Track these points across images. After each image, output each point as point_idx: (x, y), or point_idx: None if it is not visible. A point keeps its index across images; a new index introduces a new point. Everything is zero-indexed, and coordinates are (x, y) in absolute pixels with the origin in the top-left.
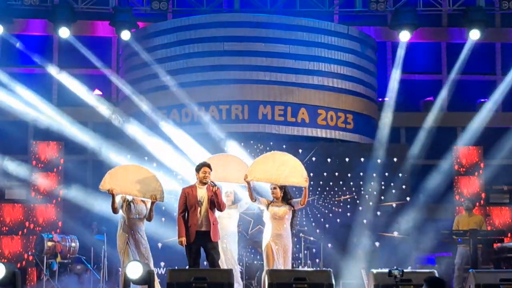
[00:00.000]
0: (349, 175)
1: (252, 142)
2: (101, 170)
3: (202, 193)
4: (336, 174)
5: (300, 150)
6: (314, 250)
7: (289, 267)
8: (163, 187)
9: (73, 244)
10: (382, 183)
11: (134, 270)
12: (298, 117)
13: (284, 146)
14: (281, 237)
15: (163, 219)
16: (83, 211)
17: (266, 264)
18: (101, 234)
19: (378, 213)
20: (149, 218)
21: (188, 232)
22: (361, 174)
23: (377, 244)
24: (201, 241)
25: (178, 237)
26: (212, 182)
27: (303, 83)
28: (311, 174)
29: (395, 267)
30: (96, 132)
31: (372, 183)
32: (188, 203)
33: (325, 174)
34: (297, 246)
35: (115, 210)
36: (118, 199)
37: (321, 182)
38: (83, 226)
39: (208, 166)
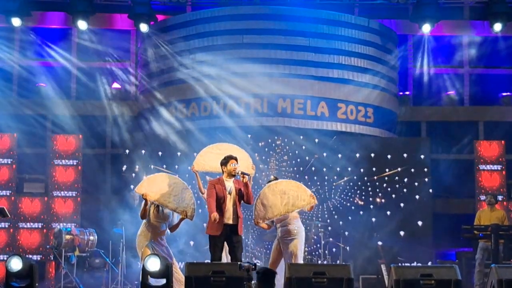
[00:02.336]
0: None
1: (272, 136)
2: (120, 165)
3: (230, 186)
4: (362, 170)
5: (317, 141)
6: (330, 239)
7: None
8: (196, 206)
9: (91, 238)
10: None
11: (152, 263)
12: (318, 111)
13: (303, 146)
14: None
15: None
16: (101, 205)
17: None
18: (120, 228)
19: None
20: (172, 229)
21: (216, 225)
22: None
23: (401, 233)
24: (227, 235)
25: (210, 214)
26: (243, 172)
27: (323, 76)
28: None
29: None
30: (115, 126)
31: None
32: (216, 195)
33: (338, 168)
34: (317, 243)
35: (144, 215)
36: (149, 204)
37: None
38: (102, 220)
39: (236, 158)
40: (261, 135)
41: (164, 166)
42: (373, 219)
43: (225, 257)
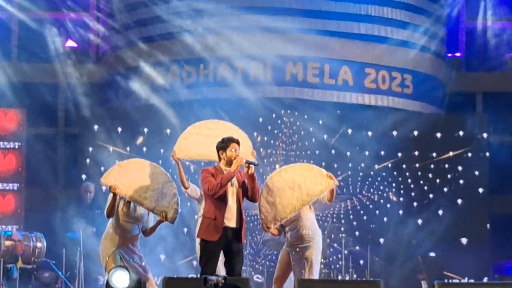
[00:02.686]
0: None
1: (278, 112)
2: (76, 148)
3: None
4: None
5: (343, 122)
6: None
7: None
8: (179, 207)
9: (38, 245)
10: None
11: (119, 278)
12: (339, 78)
13: (320, 121)
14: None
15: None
16: (52, 201)
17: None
18: (76, 231)
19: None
20: (146, 234)
21: (212, 228)
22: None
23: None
24: (226, 241)
25: (228, 177)
26: (249, 161)
27: (346, 32)
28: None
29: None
30: (71, 95)
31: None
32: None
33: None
34: (337, 253)
35: (110, 213)
36: (118, 198)
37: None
38: (52, 221)
39: (238, 142)
40: (264, 110)
41: (128, 148)
42: (416, 221)
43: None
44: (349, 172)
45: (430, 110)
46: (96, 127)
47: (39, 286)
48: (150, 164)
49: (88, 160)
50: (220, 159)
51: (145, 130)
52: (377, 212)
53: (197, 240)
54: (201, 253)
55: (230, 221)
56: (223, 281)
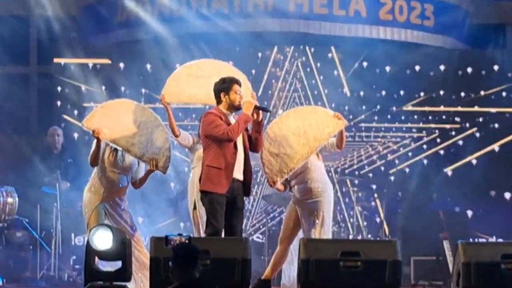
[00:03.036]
0: None
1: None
2: (52, 90)
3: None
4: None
5: (355, 59)
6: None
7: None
8: (171, 154)
9: (9, 200)
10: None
11: (101, 238)
12: (350, 9)
13: (328, 58)
14: None
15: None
16: (24, 150)
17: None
18: (52, 186)
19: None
20: (136, 185)
21: (222, 178)
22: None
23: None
24: (232, 194)
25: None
26: (261, 106)
27: None
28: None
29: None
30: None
31: None
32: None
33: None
34: (348, 209)
35: (94, 161)
36: (103, 145)
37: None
38: (25, 173)
39: (239, 82)
40: (263, 46)
41: (103, 88)
42: (441, 171)
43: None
44: (363, 116)
45: (454, 45)
46: (72, 65)
47: (11, 247)
48: (138, 106)
49: (61, 103)
50: (220, 102)
51: (121, 66)
52: (396, 161)
53: (196, 194)
54: (207, 208)
55: (238, 172)
56: (186, 241)
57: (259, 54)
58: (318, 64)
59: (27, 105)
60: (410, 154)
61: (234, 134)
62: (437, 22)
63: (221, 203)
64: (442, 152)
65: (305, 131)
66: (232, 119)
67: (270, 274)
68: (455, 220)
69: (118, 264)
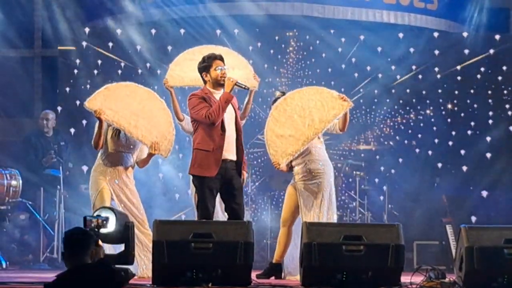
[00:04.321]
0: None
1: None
2: (55, 73)
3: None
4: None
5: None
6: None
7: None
8: (173, 139)
9: (13, 183)
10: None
11: (105, 221)
12: None
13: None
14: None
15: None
16: (29, 130)
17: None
18: (56, 168)
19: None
20: (141, 164)
21: (211, 161)
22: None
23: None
24: (226, 176)
25: (226, 98)
26: (239, 83)
27: None
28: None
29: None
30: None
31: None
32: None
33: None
34: (350, 190)
35: (98, 143)
36: (105, 126)
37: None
38: (28, 156)
39: (221, 58)
40: (266, 30)
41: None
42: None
43: (221, 213)
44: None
45: (458, 29)
46: (78, 48)
47: (14, 229)
48: (142, 89)
49: (67, 88)
50: (205, 82)
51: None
52: (393, 145)
53: (190, 178)
54: (197, 192)
55: (230, 152)
56: (104, 222)
57: (264, 38)
58: (323, 54)
59: (31, 88)
60: (414, 136)
61: (215, 116)
62: (440, 6)
63: (211, 186)
64: (454, 133)
65: (310, 112)
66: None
67: (279, 257)
68: (458, 204)
69: (121, 247)
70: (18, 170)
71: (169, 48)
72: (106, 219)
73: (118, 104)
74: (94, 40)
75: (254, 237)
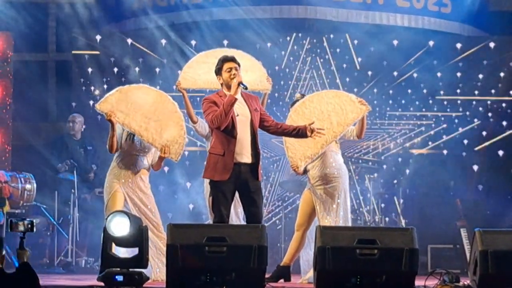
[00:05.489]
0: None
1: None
2: (69, 77)
3: (239, 104)
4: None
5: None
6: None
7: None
8: (185, 142)
9: (28, 186)
10: None
11: (118, 224)
12: None
13: (345, 45)
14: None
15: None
16: (42, 137)
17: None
18: (71, 172)
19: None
20: (155, 167)
21: (221, 165)
22: None
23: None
24: (241, 179)
25: (228, 101)
26: (242, 83)
27: None
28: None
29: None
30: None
31: None
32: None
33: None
34: (364, 195)
35: (112, 146)
36: (118, 129)
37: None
38: (43, 160)
39: (233, 60)
40: (278, 33)
41: (123, 79)
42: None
43: (234, 217)
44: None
45: (472, 33)
46: (91, 53)
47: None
48: (155, 91)
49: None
50: (221, 85)
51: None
52: (413, 149)
53: (206, 182)
54: (211, 196)
55: (243, 156)
56: (29, 226)
57: (277, 41)
58: (334, 51)
59: (45, 92)
60: (427, 140)
61: (219, 120)
62: (454, 9)
63: (224, 190)
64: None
65: (329, 115)
66: (240, 101)
67: (288, 260)
68: (472, 208)
69: (135, 250)
70: (33, 174)
71: (185, 50)
72: (31, 223)
73: (129, 106)
74: (107, 44)
75: (268, 241)
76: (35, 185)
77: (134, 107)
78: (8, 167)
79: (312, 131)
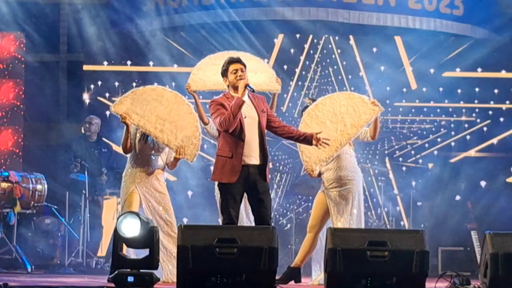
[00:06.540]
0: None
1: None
2: (80, 78)
3: (247, 106)
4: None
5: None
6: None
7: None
8: (200, 143)
9: (39, 187)
10: None
11: (129, 226)
12: None
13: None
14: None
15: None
16: (54, 138)
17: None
18: (82, 172)
19: None
20: (170, 166)
21: (229, 167)
22: None
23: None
24: (248, 182)
25: (236, 103)
26: (248, 85)
27: None
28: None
29: None
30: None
31: None
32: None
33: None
34: (373, 197)
35: (126, 146)
36: (132, 130)
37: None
38: (54, 161)
39: (239, 61)
40: (289, 36)
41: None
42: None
43: (245, 218)
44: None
45: (484, 35)
46: (103, 54)
47: (40, 233)
48: (169, 92)
49: (92, 93)
50: (228, 87)
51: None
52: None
53: (216, 184)
54: (221, 198)
55: (251, 158)
56: None
57: (284, 46)
58: (347, 57)
59: (57, 92)
60: (439, 139)
61: (227, 123)
62: (466, 11)
63: (232, 192)
64: (468, 137)
65: (342, 117)
66: (247, 102)
67: (299, 262)
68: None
69: (146, 252)
70: (44, 174)
71: (195, 52)
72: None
73: (144, 108)
74: (119, 44)
75: (279, 242)
76: (46, 185)
77: (149, 109)
78: (19, 168)
79: (318, 140)
